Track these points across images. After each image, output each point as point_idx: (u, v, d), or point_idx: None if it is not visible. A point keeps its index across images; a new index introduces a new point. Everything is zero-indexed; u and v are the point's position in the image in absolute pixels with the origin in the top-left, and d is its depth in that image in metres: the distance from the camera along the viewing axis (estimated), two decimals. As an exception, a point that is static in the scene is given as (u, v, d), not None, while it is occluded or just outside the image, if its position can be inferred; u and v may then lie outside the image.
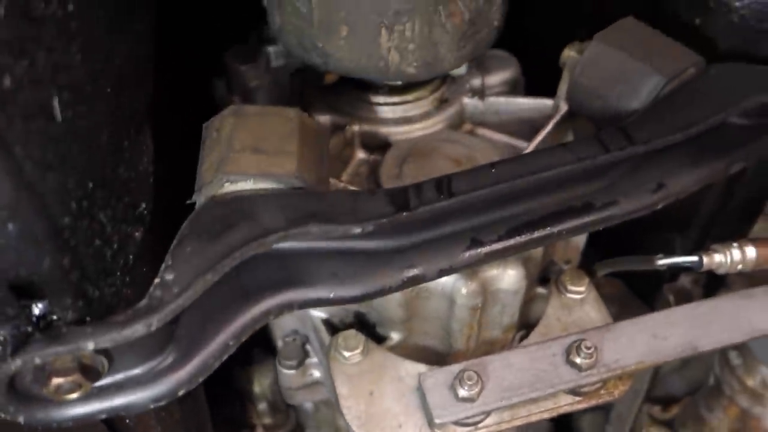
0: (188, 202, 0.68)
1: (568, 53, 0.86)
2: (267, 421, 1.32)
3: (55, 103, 0.47)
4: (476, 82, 0.98)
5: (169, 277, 0.58)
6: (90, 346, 0.53)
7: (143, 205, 0.60)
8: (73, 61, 0.48)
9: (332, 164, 0.90)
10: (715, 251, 0.84)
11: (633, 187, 0.77)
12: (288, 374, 0.98)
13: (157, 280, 0.58)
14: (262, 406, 1.29)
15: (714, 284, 1.15)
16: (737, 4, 0.82)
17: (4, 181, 0.44)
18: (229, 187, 0.67)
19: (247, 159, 0.67)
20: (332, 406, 1.12)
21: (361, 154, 0.94)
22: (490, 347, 0.90)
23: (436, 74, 0.90)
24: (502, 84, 1.04)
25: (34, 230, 0.48)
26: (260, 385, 1.26)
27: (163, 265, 0.59)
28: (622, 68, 0.79)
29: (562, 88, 0.87)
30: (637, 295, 1.28)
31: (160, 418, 0.80)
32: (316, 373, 0.99)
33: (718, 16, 0.84)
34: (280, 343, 1.00)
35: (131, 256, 0.60)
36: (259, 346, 1.21)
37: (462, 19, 0.79)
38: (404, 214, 0.64)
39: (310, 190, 0.68)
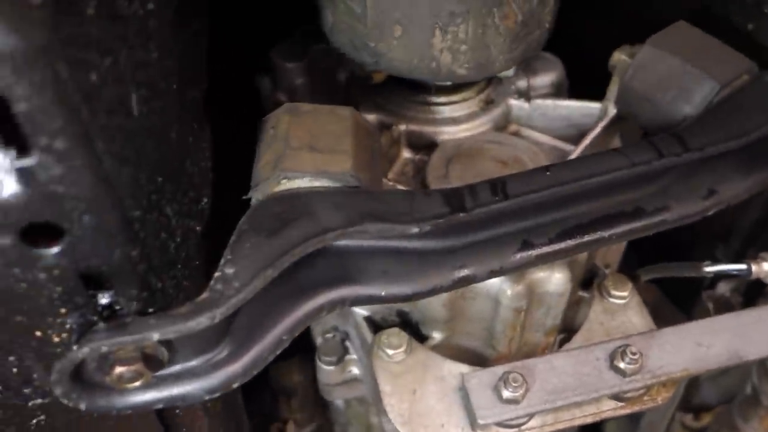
0: (244, 197, 0.69)
1: (619, 56, 0.86)
2: (298, 415, 1.34)
3: (134, 99, 0.48)
4: (522, 83, 0.99)
5: (230, 271, 0.59)
6: (155, 336, 0.54)
7: (204, 200, 0.61)
8: (150, 59, 0.49)
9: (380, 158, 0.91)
10: (764, 259, 0.83)
11: (684, 192, 0.77)
12: (327, 370, 0.98)
13: (217, 274, 0.59)
14: (296, 400, 1.30)
15: (754, 293, 1.15)
16: (793, 10, 0.81)
17: (84, 175, 0.45)
18: (286, 184, 0.68)
19: (303, 157, 0.68)
20: (365, 403, 1.12)
21: (407, 154, 0.94)
22: (531, 350, 0.90)
23: (487, 75, 0.90)
24: (547, 86, 1.03)
25: (108, 223, 0.49)
26: (294, 379, 1.28)
27: (223, 260, 0.60)
28: (675, 73, 0.79)
29: (612, 91, 0.87)
30: (672, 301, 1.28)
31: (206, 409, 0.81)
32: (355, 370, 1.00)
33: (771, 22, 0.84)
34: (319, 340, 1.01)
35: (192, 250, 0.61)
36: (295, 340, 1.22)
37: (515, 21, 0.79)
38: (461, 215, 0.64)
39: (365, 189, 0.68)
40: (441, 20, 0.76)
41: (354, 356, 0.99)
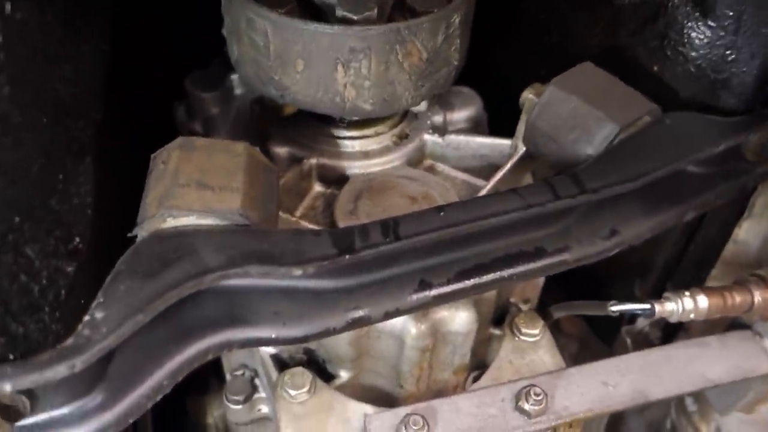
0: (129, 235, 0.66)
1: (527, 95, 0.86)
2: (218, 453, 1.29)
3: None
4: (438, 118, 0.98)
5: (99, 315, 0.56)
6: (7, 387, 0.51)
7: (77, 239, 0.58)
8: (-1, 94, 0.47)
9: (288, 197, 0.89)
10: (668, 299, 0.83)
11: (586, 233, 0.76)
12: (235, 409, 0.95)
13: (86, 318, 0.56)
14: (214, 437, 1.26)
15: (672, 329, 1.15)
16: (693, 54, 0.83)
17: None
18: (171, 222, 0.65)
19: (191, 194, 0.66)
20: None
21: (317, 188, 0.93)
22: (441, 388, 0.89)
23: (393, 111, 0.89)
24: (464, 121, 1.03)
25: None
26: (212, 415, 1.23)
27: (95, 303, 0.57)
28: (577, 113, 0.79)
29: (520, 129, 0.87)
30: (598, 334, 1.28)
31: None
32: (265, 409, 0.97)
33: (675, 64, 0.85)
34: (228, 377, 0.98)
35: (63, 291, 0.58)
36: (215, 375, 1.19)
37: (420, 58, 0.78)
38: (347, 257, 0.63)
39: (254, 228, 0.66)
40: (342, 56, 0.75)
41: (263, 394, 0.96)
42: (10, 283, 0.51)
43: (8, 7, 0.46)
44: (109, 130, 0.74)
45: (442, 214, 0.68)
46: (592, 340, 1.30)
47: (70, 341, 0.54)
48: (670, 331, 1.18)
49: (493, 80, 1.19)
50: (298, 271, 0.62)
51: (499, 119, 1.08)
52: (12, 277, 0.51)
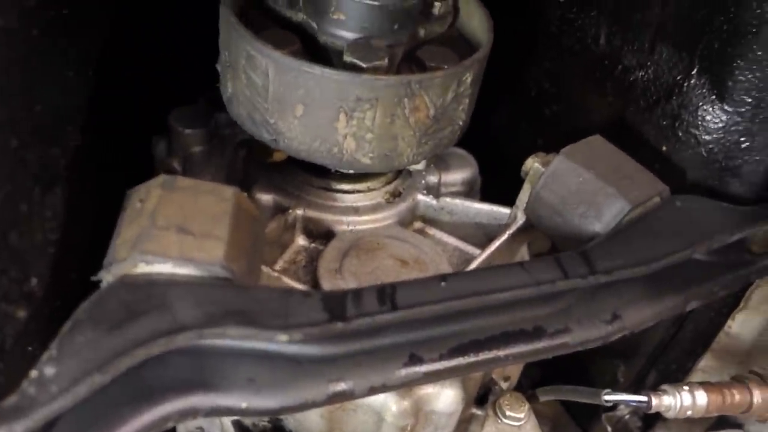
0: (93, 279, 0.59)
1: (532, 163, 0.82)
2: None
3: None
4: (433, 179, 0.93)
5: (50, 372, 0.48)
6: (-70, 453, 0.43)
7: (34, 281, 0.50)
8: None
9: (269, 248, 0.82)
10: (665, 392, 0.79)
11: (587, 315, 0.71)
12: (186, 475, 0.86)
13: (33, 374, 0.48)
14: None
15: (652, 419, 1.11)
16: (706, 137, 0.80)
17: None
18: (144, 268, 0.58)
19: (169, 238, 0.59)
20: None
21: (301, 241, 0.87)
22: (416, 469, 0.81)
23: (393, 168, 0.84)
24: (458, 183, 0.99)
25: None
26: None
27: (45, 356, 0.49)
28: (587, 188, 0.75)
29: (522, 198, 0.83)
30: (574, 415, 1.23)
31: None
32: (219, 476, 0.88)
33: (686, 146, 0.82)
34: (182, 439, 0.89)
35: (9, 340, 0.50)
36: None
37: (427, 114, 0.74)
38: (339, 324, 0.56)
39: (236, 283, 0.59)
40: (347, 104, 0.70)
41: (219, 461, 0.87)
42: (-50, 328, 0.44)
43: (-10, 11, 0.40)
44: (84, 161, 0.67)
45: (443, 284, 0.62)
46: (566, 422, 1.25)
47: (12, 400, 0.46)
48: (650, 422, 1.13)
49: (485, 144, 1.16)
50: (283, 337, 0.55)
51: (489, 184, 1.04)
52: (-49, 321, 0.44)
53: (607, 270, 0.67)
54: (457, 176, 0.98)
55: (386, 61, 0.72)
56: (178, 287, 0.57)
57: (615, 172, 0.76)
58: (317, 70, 0.69)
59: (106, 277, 0.59)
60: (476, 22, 0.85)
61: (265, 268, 0.76)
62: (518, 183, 0.86)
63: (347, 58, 0.72)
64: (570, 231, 0.77)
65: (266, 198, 0.87)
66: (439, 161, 0.96)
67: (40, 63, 0.52)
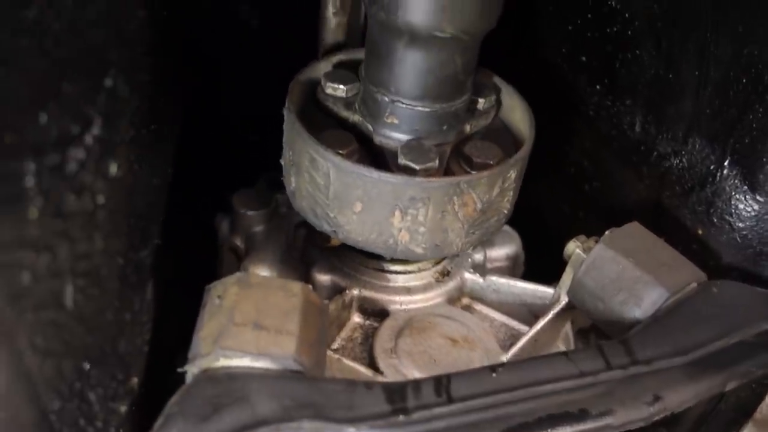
0: (179, 370, 0.66)
1: (573, 248, 0.87)
2: None
3: (69, 291, 0.46)
4: (479, 257, 0.99)
5: (151, 463, 0.55)
6: None
7: (135, 379, 0.58)
8: (93, 250, 0.48)
9: (327, 328, 0.89)
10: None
11: (630, 397, 0.75)
12: None
13: (136, 466, 0.55)
14: None
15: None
16: (740, 224, 0.84)
17: (1, 372, 0.42)
18: (224, 362, 0.65)
19: (247, 334, 0.66)
20: None
21: (357, 319, 0.93)
22: None
23: (443, 256, 0.90)
24: (504, 258, 1.05)
25: (23, 418, 0.45)
26: None
27: (146, 449, 0.56)
28: (627, 276, 0.80)
29: (565, 281, 0.88)
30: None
31: None
32: None
33: (720, 232, 0.87)
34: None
35: (113, 431, 0.57)
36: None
37: (474, 209, 0.80)
38: (401, 417, 0.62)
39: (307, 376, 0.66)
40: (402, 203, 0.77)
41: None
42: (69, 429, 0.51)
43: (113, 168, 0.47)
44: (164, 255, 0.75)
45: (494, 375, 0.68)
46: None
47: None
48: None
49: (529, 217, 1.21)
50: (350, 430, 0.61)
51: (532, 256, 1.10)
52: (72, 424, 0.51)
53: (647, 360, 0.71)
54: (501, 252, 1.04)
55: (436, 162, 0.79)
56: (256, 381, 0.63)
57: (653, 260, 0.81)
58: (374, 174, 0.76)
59: (191, 369, 0.66)
60: (518, 116, 0.91)
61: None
62: (559, 256, 0.91)
63: (401, 160, 0.79)
64: (611, 316, 0.81)
65: (324, 279, 0.93)
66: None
67: (133, 179, 0.60)
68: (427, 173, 0.78)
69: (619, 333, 0.81)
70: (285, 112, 0.84)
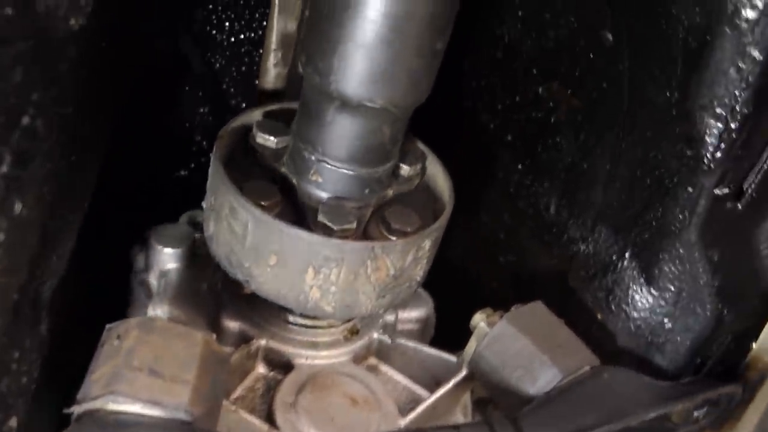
0: (65, 411, 0.64)
1: (478, 320, 0.90)
2: None
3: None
4: (390, 318, 1.00)
5: None
6: None
7: (14, 419, 0.56)
8: (-15, 288, 0.47)
9: (230, 376, 0.88)
10: None
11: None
12: None
13: None
14: None
15: None
16: (635, 314, 0.89)
17: None
18: (113, 407, 0.64)
19: (141, 380, 0.65)
20: None
21: (261, 369, 0.92)
22: None
23: (352, 316, 0.91)
24: (414, 321, 1.06)
25: None
26: None
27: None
28: (524, 353, 0.83)
29: (468, 352, 0.90)
30: None
31: None
32: None
33: (617, 318, 0.91)
34: None
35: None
36: None
37: (387, 274, 0.82)
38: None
39: (195, 425, 0.65)
40: (316, 261, 0.78)
41: None
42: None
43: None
44: (67, 290, 0.73)
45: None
46: None
47: None
48: None
49: (445, 281, 1.24)
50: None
51: (444, 320, 1.12)
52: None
53: (533, 438, 0.74)
54: (412, 314, 1.06)
55: (354, 224, 0.81)
56: (142, 429, 0.62)
57: (551, 340, 0.85)
58: (292, 230, 0.77)
59: (78, 410, 0.64)
60: (440, 184, 0.94)
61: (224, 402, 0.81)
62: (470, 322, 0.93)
63: (321, 219, 0.80)
64: (508, 390, 0.84)
65: (233, 325, 0.93)
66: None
67: (41, 215, 0.59)
68: (344, 234, 0.80)
69: (513, 407, 0.83)
70: (211, 158, 0.84)
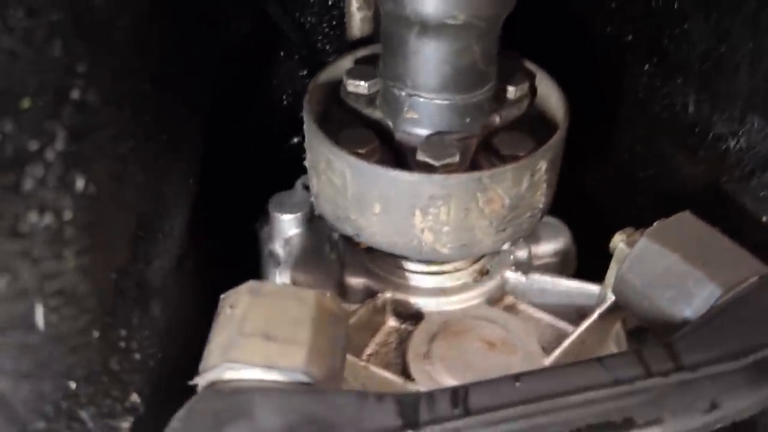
0: (190, 383, 0.65)
1: (618, 242, 0.80)
2: None
3: (39, 312, 0.45)
4: (522, 254, 0.93)
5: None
6: None
7: (134, 396, 0.56)
8: (64, 268, 0.47)
9: (360, 333, 0.86)
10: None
11: (682, 404, 0.68)
12: None
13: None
14: None
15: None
16: (810, 208, 0.75)
17: (-31, 396, 0.41)
18: (232, 375, 0.63)
19: (255, 346, 0.64)
20: None
21: (392, 322, 0.89)
22: None
23: (473, 256, 0.85)
24: (551, 254, 0.98)
25: (0, 440, 0.45)
26: None
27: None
28: (675, 271, 0.73)
29: (610, 278, 0.81)
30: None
31: None
32: None
33: (787, 218, 0.78)
34: None
35: (115, 449, 0.56)
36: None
37: (502, 204, 0.75)
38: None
39: (317, 389, 0.63)
40: (421, 202, 0.73)
41: None
42: (61, 449, 0.50)
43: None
44: (182, 268, 0.74)
45: (518, 384, 0.62)
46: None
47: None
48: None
49: (584, 207, 1.14)
50: (355, 445, 0.58)
51: (587, 251, 1.03)
52: (63, 442, 0.50)
53: (694, 365, 0.64)
54: (548, 247, 0.98)
55: (457, 157, 0.74)
56: (261, 394, 0.61)
57: (705, 253, 0.73)
58: (390, 173, 0.72)
59: (200, 382, 0.64)
60: (554, 103, 0.85)
61: (351, 358, 0.79)
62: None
63: (420, 157, 0.75)
64: (659, 316, 0.74)
65: (357, 282, 0.90)
66: (528, 235, 0.96)
67: (118, 194, 0.58)
68: (448, 170, 0.74)
69: (667, 334, 0.74)
70: (304, 113, 0.81)
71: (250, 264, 1.11)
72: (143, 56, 0.61)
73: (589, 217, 1.08)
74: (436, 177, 0.72)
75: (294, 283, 0.94)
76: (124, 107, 0.55)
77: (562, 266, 0.99)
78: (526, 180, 0.75)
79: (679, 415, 0.68)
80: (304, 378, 0.63)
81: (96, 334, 0.52)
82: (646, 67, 0.93)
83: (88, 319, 0.50)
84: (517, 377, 0.63)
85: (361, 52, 0.91)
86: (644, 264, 0.75)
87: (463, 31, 0.70)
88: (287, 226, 1.02)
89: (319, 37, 1.13)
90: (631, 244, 0.78)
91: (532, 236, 0.96)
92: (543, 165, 0.76)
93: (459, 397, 0.62)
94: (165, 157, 0.69)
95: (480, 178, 0.72)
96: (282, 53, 1.13)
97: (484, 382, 0.64)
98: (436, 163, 0.74)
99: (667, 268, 0.74)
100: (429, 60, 0.73)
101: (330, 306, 0.70)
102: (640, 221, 0.97)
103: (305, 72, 1.15)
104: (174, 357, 0.66)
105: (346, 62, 0.90)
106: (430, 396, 0.62)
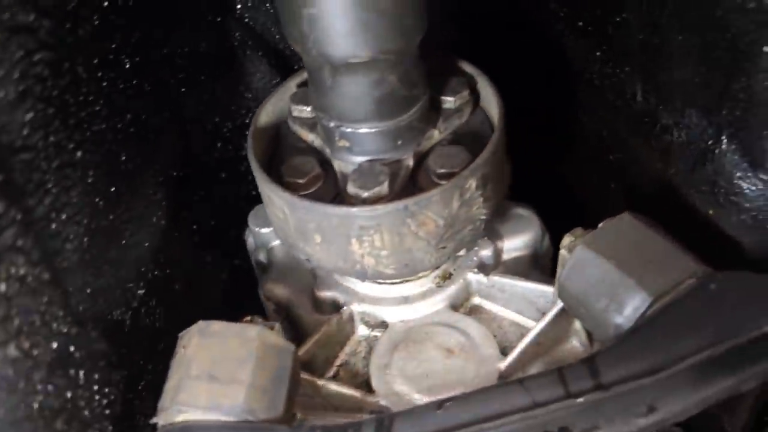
0: (150, 422, 0.71)
1: (564, 243, 0.81)
2: None
3: None
4: (486, 252, 0.94)
5: None
6: None
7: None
8: None
9: (329, 346, 0.90)
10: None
11: (618, 409, 0.70)
12: None
13: None
14: None
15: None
16: (747, 205, 0.74)
17: None
18: (181, 416, 0.69)
19: (199, 388, 0.69)
20: None
21: (361, 332, 0.93)
22: None
23: (417, 273, 0.88)
24: (521, 247, 0.99)
25: None
26: None
27: None
28: (607, 280, 0.73)
29: (557, 282, 0.82)
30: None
31: None
32: None
33: (729, 213, 0.76)
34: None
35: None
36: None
37: (435, 225, 0.77)
38: (334, 466, 0.63)
39: (257, 425, 0.68)
40: (354, 232, 0.76)
41: None
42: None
43: None
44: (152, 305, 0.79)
45: (439, 411, 0.66)
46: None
47: None
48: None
49: (562, 195, 1.14)
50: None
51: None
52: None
53: (612, 383, 0.66)
54: (516, 242, 0.98)
55: (386, 186, 0.76)
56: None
57: (639, 258, 0.73)
58: (320, 208, 0.75)
59: (159, 421, 0.71)
60: (493, 109, 0.85)
61: (309, 378, 0.83)
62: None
63: (350, 188, 0.77)
64: (596, 323, 0.75)
65: (326, 295, 0.94)
66: (492, 231, 0.96)
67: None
68: (376, 199, 0.76)
69: (604, 341, 0.75)
70: (247, 149, 0.84)
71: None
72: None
73: (567, 206, 1.09)
74: (364, 209, 0.74)
75: (271, 295, 0.99)
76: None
77: (533, 258, 1.00)
78: (456, 200, 0.76)
79: (616, 422, 0.70)
80: (244, 415, 0.68)
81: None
82: (598, 53, 0.91)
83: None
84: (439, 404, 0.67)
85: (304, 75, 0.92)
86: (580, 272, 0.76)
87: (373, 65, 0.71)
88: (267, 237, 1.07)
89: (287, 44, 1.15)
90: (572, 248, 0.79)
91: (495, 233, 0.97)
92: (473, 183, 0.77)
93: (383, 426, 0.66)
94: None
95: (406, 206, 0.74)
96: (254, 64, 1.15)
97: (408, 411, 0.67)
98: (364, 194, 0.76)
99: (601, 277, 0.74)
100: (346, 94, 0.74)
101: (274, 341, 0.75)
102: (618, 203, 0.97)
103: (279, 79, 1.17)
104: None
105: (292, 84, 0.92)
106: (357, 426, 0.66)
